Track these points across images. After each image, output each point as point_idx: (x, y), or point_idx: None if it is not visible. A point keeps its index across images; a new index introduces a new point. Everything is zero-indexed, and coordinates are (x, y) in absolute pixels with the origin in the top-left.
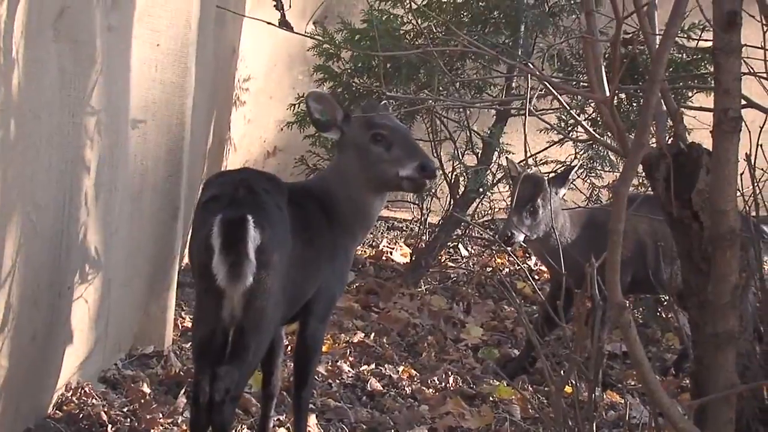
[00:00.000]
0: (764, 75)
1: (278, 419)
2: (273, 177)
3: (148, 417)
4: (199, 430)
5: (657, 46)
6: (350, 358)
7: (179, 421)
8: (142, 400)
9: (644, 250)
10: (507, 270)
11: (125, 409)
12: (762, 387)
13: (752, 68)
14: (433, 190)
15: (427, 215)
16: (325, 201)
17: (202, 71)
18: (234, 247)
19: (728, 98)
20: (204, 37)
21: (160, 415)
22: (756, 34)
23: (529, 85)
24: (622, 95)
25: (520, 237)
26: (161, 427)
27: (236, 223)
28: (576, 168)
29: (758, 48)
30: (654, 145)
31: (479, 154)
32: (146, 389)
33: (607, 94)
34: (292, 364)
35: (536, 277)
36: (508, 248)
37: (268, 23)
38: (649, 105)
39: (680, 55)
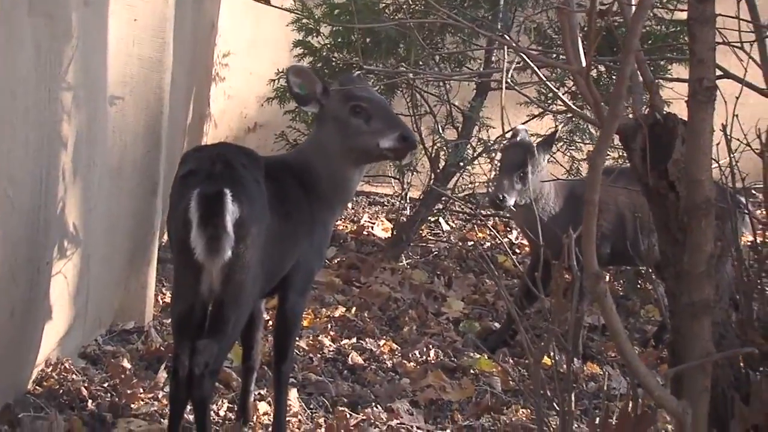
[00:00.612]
0: (738, 45)
1: (259, 393)
2: (250, 151)
3: (128, 392)
4: (179, 404)
5: (631, 17)
6: (331, 333)
7: (160, 396)
8: (123, 376)
9: (624, 221)
10: (488, 244)
11: (105, 385)
12: (737, 355)
13: (726, 38)
14: (414, 165)
15: (408, 190)
16: (304, 174)
17: (181, 47)
18: (212, 221)
19: (703, 68)
20: (182, 12)
21: (141, 390)
22: (731, 4)
23: (506, 58)
24: (602, 68)
25: (511, 201)
26: (142, 402)
27: (214, 198)
28: (558, 133)
29: (732, 18)
30: (630, 116)
31: (459, 128)
32: (126, 364)
33: (584, 65)
34: (272, 338)
35: (517, 250)
36: (499, 212)
37: None
38: (624, 76)
39: (659, 28)
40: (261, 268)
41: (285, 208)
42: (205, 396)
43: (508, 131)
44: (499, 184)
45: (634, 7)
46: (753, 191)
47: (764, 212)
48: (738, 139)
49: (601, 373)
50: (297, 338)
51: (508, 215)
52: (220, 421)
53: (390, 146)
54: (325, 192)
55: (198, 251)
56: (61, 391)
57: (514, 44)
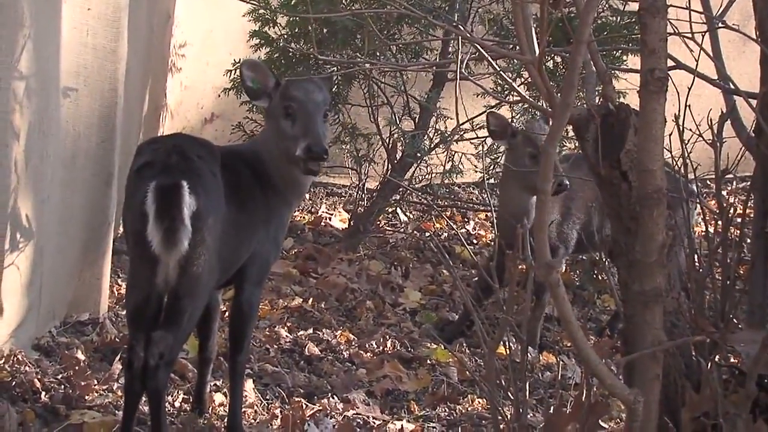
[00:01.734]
0: (688, 35)
1: (215, 384)
2: (206, 142)
3: (82, 384)
4: (134, 396)
5: (582, 8)
6: (288, 324)
7: (114, 388)
8: (77, 367)
9: (590, 210)
10: (445, 235)
11: (59, 377)
12: (688, 344)
13: (677, 28)
14: (371, 156)
15: (366, 180)
16: (257, 166)
17: (136, 37)
18: (169, 213)
19: (654, 58)
20: (137, 2)
21: (95, 382)
22: None
23: (460, 49)
24: (558, 59)
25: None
26: (96, 394)
27: (171, 190)
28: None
29: (684, 8)
30: (583, 107)
31: (416, 119)
32: (81, 356)
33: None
34: (228, 329)
35: (474, 241)
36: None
37: None
38: (575, 66)
39: (614, 18)
40: (217, 259)
41: (240, 198)
42: (160, 387)
43: (465, 122)
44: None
45: None
46: (707, 181)
47: (716, 202)
48: (690, 130)
49: (557, 362)
50: (254, 329)
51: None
52: (175, 412)
53: (299, 155)
54: (278, 185)
55: (155, 244)
56: (13, 383)
57: (468, 35)
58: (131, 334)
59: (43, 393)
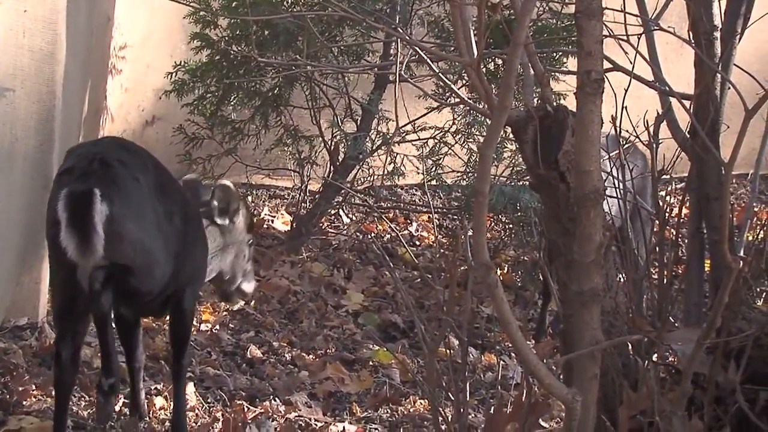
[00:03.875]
0: (624, 38)
1: (155, 388)
2: (135, 148)
3: (20, 389)
4: (64, 389)
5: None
6: (230, 326)
7: (53, 393)
8: (15, 372)
9: None
10: (387, 236)
11: None
12: (625, 343)
13: (612, 31)
14: (314, 157)
15: (308, 183)
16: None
17: (75, 39)
18: (79, 221)
19: (591, 60)
20: (76, 4)
21: (33, 387)
22: None
23: (401, 51)
24: (500, 61)
25: None
26: (34, 399)
27: (82, 197)
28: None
29: (620, 11)
30: (522, 108)
31: (358, 121)
32: (19, 361)
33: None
34: (169, 334)
35: (417, 243)
36: None
37: None
38: (512, 68)
39: (553, 21)
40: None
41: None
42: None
43: (407, 124)
44: None
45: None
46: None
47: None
48: (627, 131)
49: (498, 362)
50: (193, 332)
51: None
52: (115, 416)
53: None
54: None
55: (69, 251)
56: None
57: (408, 38)
58: (59, 330)
59: None
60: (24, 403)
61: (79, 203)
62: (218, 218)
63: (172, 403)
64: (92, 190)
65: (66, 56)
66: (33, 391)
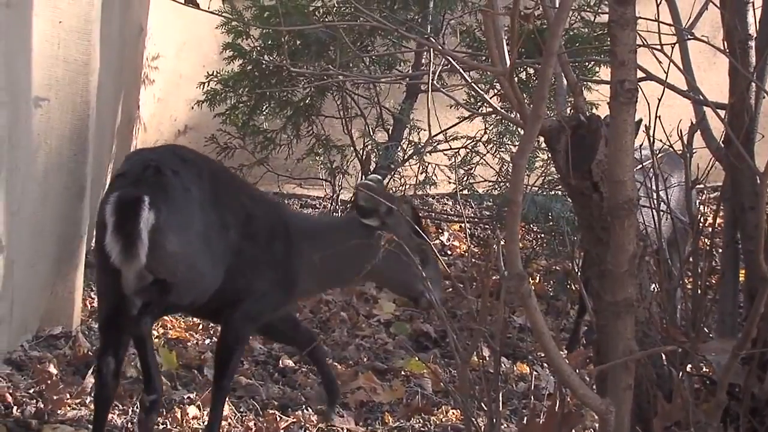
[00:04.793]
0: (657, 47)
1: (188, 397)
2: (191, 157)
3: (54, 398)
4: (103, 403)
5: (552, 20)
6: (262, 336)
7: (87, 402)
8: (49, 381)
9: None
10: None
11: (31, 391)
12: (659, 353)
13: (646, 40)
14: (345, 167)
15: (339, 192)
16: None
17: (108, 50)
18: (125, 227)
19: (624, 70)
20: (109, 15)
21: (68, 396)
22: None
23: (433, 61)
24: (531, 71)
25: None
26: (68, 408)
27: (130, 203)
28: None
29: (652, 20)
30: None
31: (390, 131)
32: (53, 370)
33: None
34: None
35: (448, 252)
36: None
37: (175, 1)
38: (545, 77)
39: (585, 30)
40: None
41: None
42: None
43: (438, 133)
44: None
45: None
46: None
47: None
48: (660, 140)
49: (531, 373)
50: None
51: None
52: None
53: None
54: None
55: (113, 255)
56: None
57: (440, 47)
58: (102, 341)
59: (15, 407)
60: (59, 412)
61: (126, 209)
62: (366, 219)
63: (205, 413)
64: (141, 196)
65: (99, 67)
66: (67, 400)
